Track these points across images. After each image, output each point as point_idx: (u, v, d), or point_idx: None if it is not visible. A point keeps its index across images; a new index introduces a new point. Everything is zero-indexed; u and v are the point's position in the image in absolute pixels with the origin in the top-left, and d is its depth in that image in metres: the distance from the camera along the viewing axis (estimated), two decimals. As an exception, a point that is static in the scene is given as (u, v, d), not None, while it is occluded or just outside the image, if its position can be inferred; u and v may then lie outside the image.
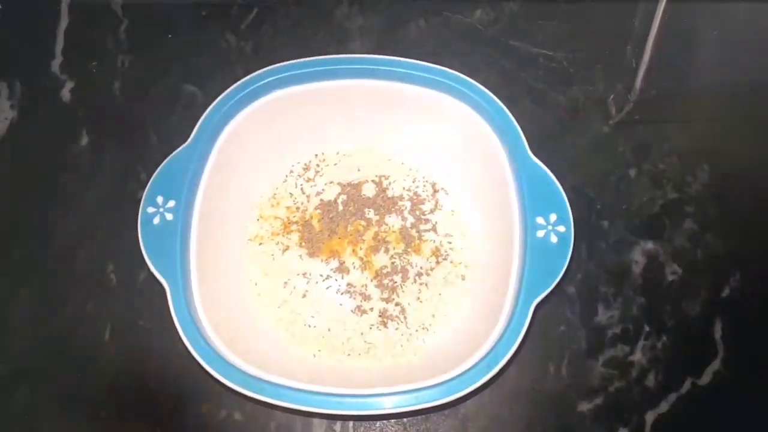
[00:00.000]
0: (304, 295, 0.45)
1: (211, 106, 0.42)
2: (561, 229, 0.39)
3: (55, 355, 0.46)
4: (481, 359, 0.36)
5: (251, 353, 0.39)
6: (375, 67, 0.43)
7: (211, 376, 0.37)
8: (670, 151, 0.51)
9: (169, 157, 0.41)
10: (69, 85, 0.53)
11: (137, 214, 0.40)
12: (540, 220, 0.39)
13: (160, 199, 0.40)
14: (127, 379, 0.45)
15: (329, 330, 0.44)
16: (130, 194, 0.49)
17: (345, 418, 0.42)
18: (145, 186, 0.40)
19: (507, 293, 0.38)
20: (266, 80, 0.43)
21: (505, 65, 0.54)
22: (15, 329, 0.46)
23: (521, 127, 0.42)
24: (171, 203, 0.40)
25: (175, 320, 0.38)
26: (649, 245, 0.48)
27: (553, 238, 0.38)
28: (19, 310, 0.47)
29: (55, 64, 0.54)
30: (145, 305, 0.46)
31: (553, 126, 0.51)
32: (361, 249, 0.45)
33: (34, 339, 0.46)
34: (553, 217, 0.39)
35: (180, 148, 0.41)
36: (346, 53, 0.44)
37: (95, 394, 0.45)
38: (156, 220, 0.40)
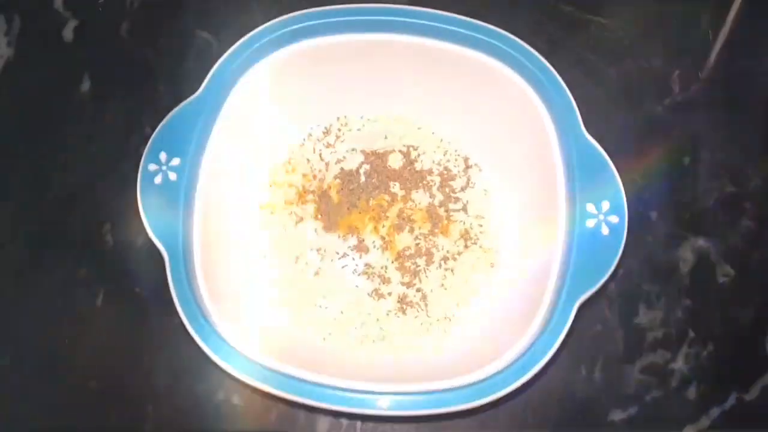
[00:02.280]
0: (316, 273, 0.41)
1: (224, 55, 0.38)
2: (614, 219, 0.34)
3: (42, 318, 0.42)
4: (513, 362, 0.32)
5: (255, 333, 0.36)
6: (411, 20, 0.39)
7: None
8: (731, 139, 0.46)
9: (175, 110, 0.37)
10: (72, 23, 0.49)
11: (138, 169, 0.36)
12: (591, 207, 0.34)
13: (163, 156, 0.36)
14: (119, 350, 0.42)
15: (342, 313, 0.40)
16: (132, 148, 0.45)
17: (353, 416, 0.39)
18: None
19: (546, 288, 0.34)
20: (287, 29, 0.39)
21: (554, 31, 0.49)
22: (1, 287, 0.43)
23: (568, 101, 0.37)
24: (175, 161, 0.36)
25: (173, 294, 0.34)
26: (700, 242, 0.44)
27: (605, 230, 0.34)
28: (4, 267, 0.43)
29: (59, 0, 0.49)
30: (143, 271, 0.42)
31: (601, 101, 0.47)
32: (383, 227, 0.41)
33: (21, 300, 0.43)
34: (605, 206, 0.34)
35: (188, 99, 0.37)
36: (380, 3, 0.40)
37: (84, 363, 0.41)
38: (158, 179, 0.36)
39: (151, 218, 0.35)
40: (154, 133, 0.37)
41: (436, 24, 0.38)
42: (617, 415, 0.40)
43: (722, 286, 0.43)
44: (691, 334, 0.42)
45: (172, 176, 0.36)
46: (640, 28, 0.48)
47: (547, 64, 0.38)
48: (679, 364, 0.41)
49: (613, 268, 0.33)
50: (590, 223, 0.34)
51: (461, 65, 0.39)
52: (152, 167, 0.36)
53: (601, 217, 0.34)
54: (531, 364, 0.32)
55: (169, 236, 0.35)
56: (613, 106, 0.47)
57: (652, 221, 0.44)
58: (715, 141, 0.46)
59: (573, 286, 0.33)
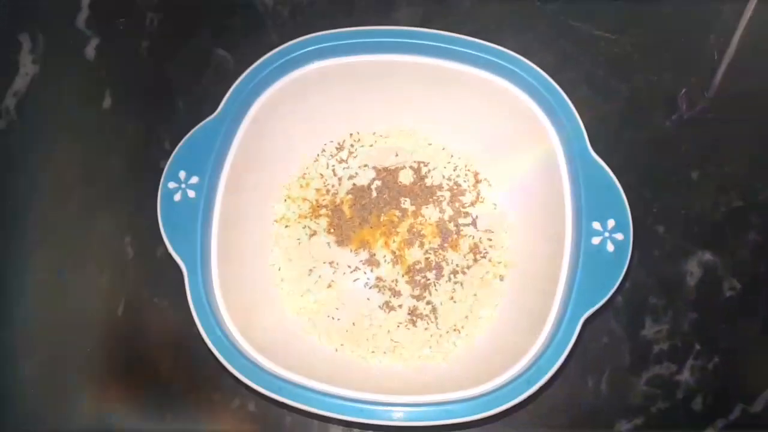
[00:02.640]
0: (329, 285, 0.42)
1: (242, 76, 0.39)
2: (619, 237, 0.35)
3: (65, 326, 0.44)
4: (520, 374, 0.33)
5: (270, 344, 0.37)
6: (421, 41, 0.39)
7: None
8: (739, 154, 0.46)
9: (194, 129, 0.38)
10: (94, 41, 0.50)
11: (159, 186, 0.37)
12: (596, 225, 0.35)
13: (182, 174, 0.37)
14: (138, 358, 0.43)
15: (354, 324, 0.41)
16: (152, 163, 0.47)
17: (365, 426, 0.40)
18: (169, 155, 0.38)
19: (553, 302, 0.35)
20: (303, 50, 0.39)
21: (563, 47, 0.49)
22: (25, 296, 0.45)
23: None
24: (194, 179, 0.37)
25: (191, 307, 0.35)
26: (707, 256, 0.44)
27: (610, 247, 0.35)
28: (30, 276, 0.45)
29: (81, 19, 0.51)
30: (162, 282, 0.44)
31: (610, 117, 0.47)
32: (394, 242, 0.42)
33: (45, 308, 0.44)
34: (611, 223, 0.35)
35: (207, 119, 0.38)
36: (391, 24, 0.41)
37: (105, 371, 0.43)
38: (177, 197, 0.37)
39: (170, 234, 0.36)
40: (174, 153, 0.38)
41: (445, 45, 0.39)
42: (623, 426, 0.41)
43: (729, 300, 0.43)
44: (697, 346, 0.42)
45: (191, 194, 0.37)
46: (650, 44, 0.48)
47: (555, 85, 0.38)
48: (685, 376, 0.42)
49: (617, 284, 0.34)
50: (596, 240, 0.35)
51: (470, 84, 0.40)
52: (172, 185, 0.37)
53: (607, 234, 0.35)
54: (538, 377, 0.33)
55: (188, 250, 0.36)
56: (622, 121, 0.47)
57: (659, 235, 0.45)
58: (723, 156, 0.46)
59: (578, 302, 0.34)
